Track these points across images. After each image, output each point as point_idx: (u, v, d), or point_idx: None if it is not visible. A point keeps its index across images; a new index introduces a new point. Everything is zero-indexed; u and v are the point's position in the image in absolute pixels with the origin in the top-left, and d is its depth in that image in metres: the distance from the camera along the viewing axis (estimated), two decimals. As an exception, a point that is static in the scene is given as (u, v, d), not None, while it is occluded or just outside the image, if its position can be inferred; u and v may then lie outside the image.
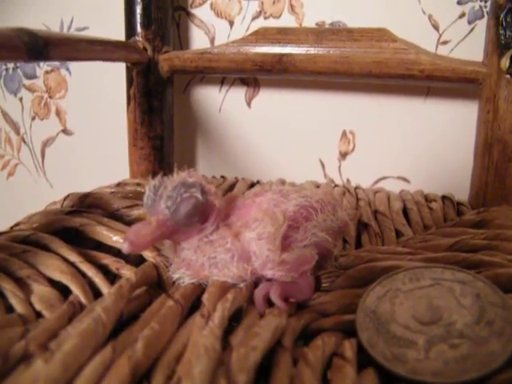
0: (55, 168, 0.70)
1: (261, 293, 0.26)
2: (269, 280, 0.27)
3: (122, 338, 0.22)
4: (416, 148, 0.55)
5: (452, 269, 0.27)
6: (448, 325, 0.24)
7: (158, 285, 0.29)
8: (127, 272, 0.30)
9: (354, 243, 0.37)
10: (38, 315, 0.27)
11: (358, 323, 0.24)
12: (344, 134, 0.57)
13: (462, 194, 0.50)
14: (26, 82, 0.67)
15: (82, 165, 0.68)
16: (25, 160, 0.71)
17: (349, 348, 0.22)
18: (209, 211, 0.26)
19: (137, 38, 0.52)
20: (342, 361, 0.21)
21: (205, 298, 0.25)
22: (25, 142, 0.70)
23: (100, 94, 0.64)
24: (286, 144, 0.59)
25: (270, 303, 0.26)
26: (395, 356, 0.22)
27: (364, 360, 0.22)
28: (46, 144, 0.69)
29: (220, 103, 0.60)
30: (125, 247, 0.25)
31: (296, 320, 0.24)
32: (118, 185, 0.47)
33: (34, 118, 0.68)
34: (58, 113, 0.67)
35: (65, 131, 0.68)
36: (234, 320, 0.24)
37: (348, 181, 0.58)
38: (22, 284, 0.28)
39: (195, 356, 0.19)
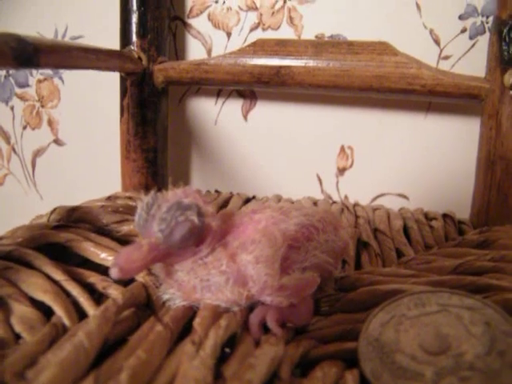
0: (46, 179, 0.68)
1: (256, 318, 0.24)
2: (264, 304, 0.25)
3: (106, 367, 0.20)
4: (416, 164, 0.54)
5: (459, 294, 0.25)
6: (457, 355, 0.22)
7: (146, 306, 0.28)
8: (114, 292, 0.28)
9: (353, 263, 0.36)
10: (18, 338, 0.25)
11: (360, 352, 0.23)
12: (342, 149, 0.56)
13: (462, 211, 0.49)
14: (18, 90, 0.65)
15: (73, 176, 0.67)
16: (15, 170, 0.69)
17: (351, 381, 0.20)
18: (205, 234, 0.24)
19: (132, 48, 0.51)
20: (345, 396, 0.19)
21: (196, 323, 0.23)
22: (15, 151, 0.68)
23: (93, 104, 0.63)
24: (283, 158, 0.57)
25: (265, 328, 0.24)
26: (401, 390, 0.21)
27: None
28: (37, 154, 0.67)
29: (216, 115, 0.58)
30: (114, 273, 0.23)
31: (294, 348, 0.23)
32: (109, 198, 0.46)
33: (25, 128, 0.67)
34: (50, 122, 0.66)
35: (57, 141, 0.66)
36: (227, 346, 0.23)
37: (346, 197, 0.57)
38: (1, 303, 0.27)
39: (184, 390, 0.18)
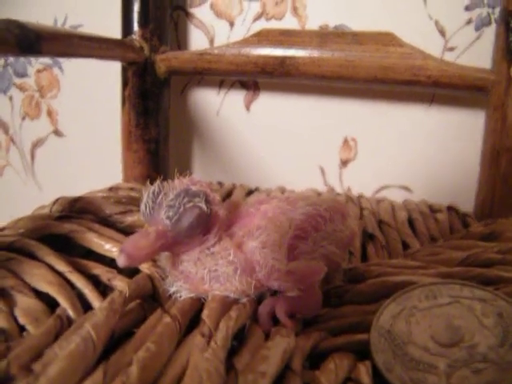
0: (45, 170, 0.68)
1: (265, 309, 0.24)
2: (273, 295, 0.25)
3: (115, 360, 0.20)
4: (419, 157, 0.54)
5: (471, 286, 0.25)
6: (470, 347, 0.22)
7: (152, 298, 0.27)
8: (119, 283, 0.28)
9: (359, 255, 0.35)
10: (22, 330, 0.24)
11: (372, 344, 0.22)
12: (345, 140, 0.55)
13: (466, 204, 0.49)
14: (17, 80, 0.65)
15: (73, 168, 0.66)
16: (13, 161, 0.68)
17: (365, 373, 0.20)
18: (212, 222, 0.24)
19: (133, 37, 0.50)
20: (359, 388, 0.19)
21: (205, 314, 0.23)
22: (14, 142, 0.67)
23: (94, 95, 0.62)
24: (286, 150, 0.57)
25: (274, 320, 0.24)
26: (414, 382, 0.20)
27: (379, 385, 0.21)
28: (36, 145, 0.67)
29: (218, 106, 0.58)
30: (121, 261, 0.22)
31: (304, 340, 0.22)
32: (111, 189, 0.45)
33: (24, 118, 0.66)
34: (49, 113, 0.65)
35: (56, 132, 0.65)
36: (235, 338, 0.22)
37: (349, 189, 0.56)
38: (4, 295, 0.26)
39: (197, 382, 0.17)
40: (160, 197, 0.24)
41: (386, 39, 0.45)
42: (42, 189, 0.68)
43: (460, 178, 0.53)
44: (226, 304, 0.24)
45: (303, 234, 0.25)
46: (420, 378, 0.20)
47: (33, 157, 0.67)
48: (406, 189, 0.55)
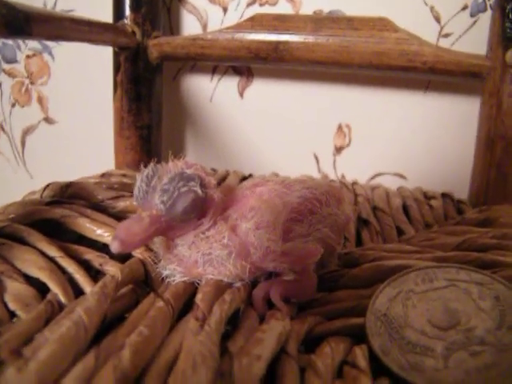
0: (36, 158, 0.67)
1: (260, 293, 0.23)
2: (268, 279, 0.25)
3: (106, 344, 0.19)
4: (414, 143, 0.54)
5: (467, 269, 0.25)
6: (467, 330, 0.21)
7: (145, 283, 0.27)
8: (111, 268, 0.27)
9: (354, 240, 0.35)
10: (12, 315, 0.24)
11: (368, 328, 0.22)
12: (340, 127, 0.55)
13: (460, 191, 0.49)
14: (6, 66, 0.63)
15: (64, 155, 0.65)
16: (3, 149, 0.67)
17: (361, 356, 0.20)
18: (207, 206, 0.24)
19: (125, 21, 0.49)
20: (356, 370, 0.18)
21: (198, 298, 0.22)
22: (4, 130, 0.66)
23: (85, 81, 0.61)
24: (279, 136, 0.57)
25: (269, 304, 0.24)
26: (412, 365, 0.20)
27: (376, 368, 0.20)
28: (26, 132, 0.66)
29: (211, 93, 0.57)
30: (115, 246, 0.22)
31: (299, 324, 0.22)
32: (103, 175, 0.44)
33: (13, 105, 0.65)
34: (39, 100, 0.64)
35: (47, 119, 0.64)
36: (229, 322, 0.22)
37: (343, 176, 0.56)
38: (-6, 280, 0.26)
39: (190, 365, 0.17)
40: (154, 180, 0.23)
41: (381, 24, 0.44)
42: (33, 177, 0.67)
43: (456, 166, 0.53)
44: (220, 288, 0.23)
45: (299, 216, 0.25)
46: (417, 361, 0.20)
47: (23, 144, 0.66)
48: (401, 176, 0.55)
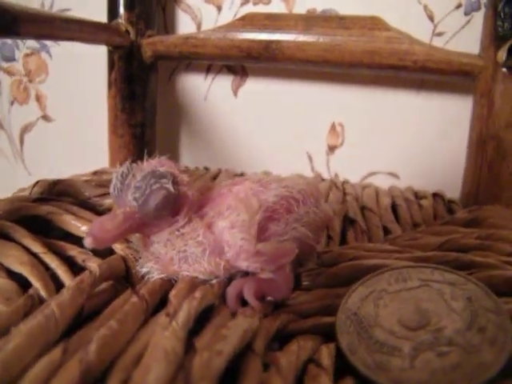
0: (34, 155, 0.67)
1: (234, 290, 0.24)
2: (244, 277, 0.25)
3: (77, 338, 0.20)
4: (407, 143, 0.53)
5: (442, 269, 0.25)
6: (436, 331, 0.22)
7: (126, 279, 0.27)
8: (93, 264, 0.28)
9: (338, 240, 0.35)
10: (-6, 309, 0.24)
11: (337, 326, 0.22)
12: (333, 126, 0.55)
13: (455, 192, 0.48)
14: (4, 64, 0.64)
15: (62, 152, 0.66)
16: (2, 146, 0.68)
17: (326, 354, 0.20)
18: (181, 203, 0.24)
19: (119, 21, 0.50)
20: (318, 369, 0.19)
21: (172, 294, 0.23)
22: (2, 127, 0.67)
23: (82, 79, 0.62)
24: (273, 135, 0.57)
25: (244, 302, 0.24)
26: (377, 364, 0.20)
27: (343, 367, 0.20)
28: (25, 130, 0.66)
29: (205, 92, 0.57)
30: (88, 242, 0.23)
31: (270, 321, 0.22)
32: (95, 173, 0.45)
33: (12, 103, 0.66)
34: (38, 98, 0.64)
35: (45, 117, 0.65)
36: (205, 319, 0.22)
37: (336, 175, 0.56)
38: (-23, 275, 0.26)
39: (153, 360, 0.17)
40: (128, 178, 0.24)
41: (372, 23, 0.44)
42: (31, 173, 0.68)
43: (449, 166, 0.53)
44: (195, 285, 0.23)
45: (275, 215, 0.25)
46: (383, 361, 0.20)
47: (22, 142, 0.67)
48: (394, 175, 0.55)
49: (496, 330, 0.21)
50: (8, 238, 0.30)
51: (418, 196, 0.47)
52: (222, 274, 0.24)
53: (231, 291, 0.24)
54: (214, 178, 0.50)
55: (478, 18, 0.48)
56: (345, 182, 0.51)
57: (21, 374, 0.17)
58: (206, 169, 0.55)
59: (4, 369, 0.17)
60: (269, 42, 0.46)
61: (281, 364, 0.18)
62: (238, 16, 0.51)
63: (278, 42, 0.46)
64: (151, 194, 0.22)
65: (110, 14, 0.51)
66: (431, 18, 0.50)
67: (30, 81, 0.64)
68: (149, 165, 0.24)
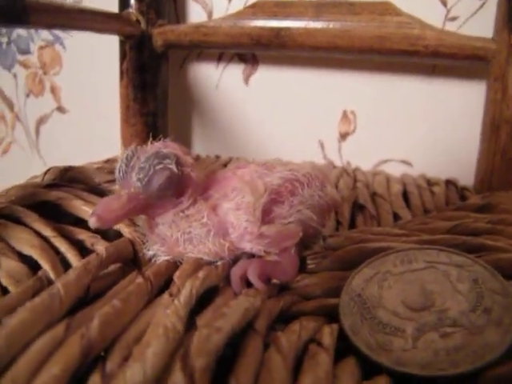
0: (50, 146, 0.68)
1: (238, 271, 0.24)
2: (249, 258, 0.25)
3: (81, 316, 0.20)
4: (420, 130, 0.53)
5: (448, 251, 0.25)
6: (440, 312, 0.21)
7: (133, 262, 0.28)
8: (101, 248, 0.28)
9: (347, 225, 0.35)
10: (5, 291, 0.25)
11: (341, 307, 0.22)
12: (345, 114, 0.55)
13: (468, 178, 0.48)
14: (20, 57, 0.65)
15: (76, 142, 0.66)
16: (19, 138, 0.69)
17: (328, 334, 0.20)
18: (185, 184, 0.24)
19: (130, 11, 0.50)
20: (318, 348, 0.19)
21: (176, 275, 0.23)
22: (19, 119, 0.68)
23: (96, 71, 0.62)
24: (284, 123, 0.56)
25: (249, 284, 0.24)
26: (380, 344, 0.20)
27: (346, 349, 0.20)
28: (40, 122, 0.67)
29: (217, 80, 0.57)
30: (92, 222, 0.23)
31: (274, 302, 0.22)
32: (107, 161, 0.45)
33: (28, 95, 0.67)
34: (52, 89, 0.65)
35: (60, 109, 0.66)
36: (209, 299, 0.22)
37: (348, 163, 0.56)
38: (-11, 258, 0.27)
39: (154, 336, 0.17)
40: (133, 161, 0.24)
41: (383, 8, 0.44)
42: (46, 164, 0.69)
43: (463, 152, 0.52)
44: (199, 266, 0.24)
45: (279, 198, 0.25)
46: (385, 341, 0.20)
47: (37, 133, 0.68)
48: (407, 163, 0.54)
49: (502, 311, 0.21)
50: (19, 222, 0.30)
51: (430, 183, 0.46)
52: (227, 255, 0.24)
53: (235, 272, 0.24)
54: (225, 165, 0.50)
55: (492, 1, 0.47)
56: (356, 169, 0.51)
57: (23, 348, 0.18)
58: (217, 157, 0.55)
59: (7, 343, 0.17)
60: (279, 29, 0.46)
61: (281, 343, 0.18)
62: (249, 4, 0.51)
63: (287, 29, 0.46)
64: (154, 174, 0.23)
65: (121, 4, 0.51)
66: (444, 3, 0.49)
67: (45, 73, 0.65)
68: (153, 147, 0.24)
